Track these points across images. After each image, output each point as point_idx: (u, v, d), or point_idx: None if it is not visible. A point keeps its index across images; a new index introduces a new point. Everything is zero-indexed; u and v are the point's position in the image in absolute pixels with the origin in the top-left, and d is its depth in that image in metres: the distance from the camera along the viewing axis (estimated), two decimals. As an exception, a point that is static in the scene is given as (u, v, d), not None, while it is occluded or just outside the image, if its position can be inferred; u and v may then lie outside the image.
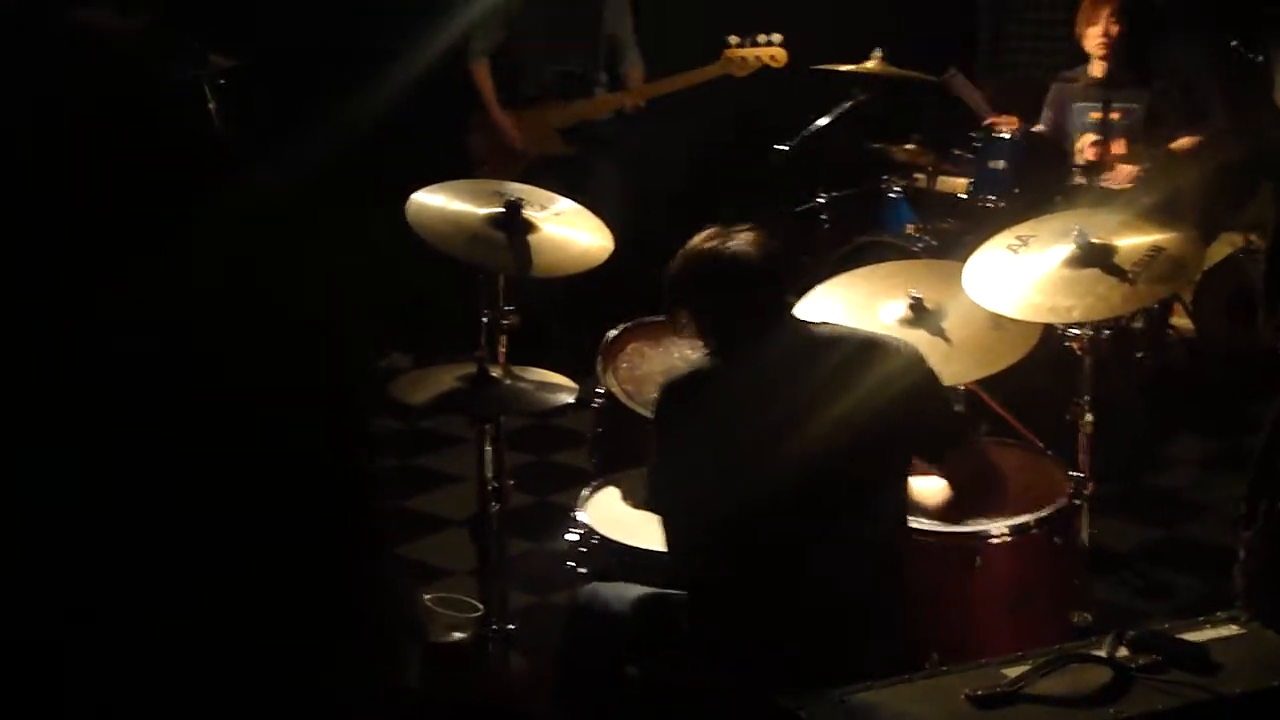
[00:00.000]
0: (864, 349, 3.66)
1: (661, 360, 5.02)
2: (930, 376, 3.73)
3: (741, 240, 3.66)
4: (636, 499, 4.40)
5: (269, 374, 0.76)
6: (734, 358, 3.69)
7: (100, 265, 0.72)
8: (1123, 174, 6.64)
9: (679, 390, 3.77)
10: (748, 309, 3.68)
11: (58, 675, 0.70)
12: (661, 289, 3.77)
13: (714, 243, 3.68)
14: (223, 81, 6.70)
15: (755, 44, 6.98)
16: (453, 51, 7.21)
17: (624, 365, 5.07)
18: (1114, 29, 6.67)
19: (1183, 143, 6.70)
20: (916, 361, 3.69)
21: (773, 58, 6.97)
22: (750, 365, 3.67)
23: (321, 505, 0.81)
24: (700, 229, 3.76)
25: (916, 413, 3.67)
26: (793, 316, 3.76)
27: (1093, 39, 6.73)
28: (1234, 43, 6.84)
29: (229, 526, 0.75)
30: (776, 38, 6.95)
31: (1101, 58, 6.69)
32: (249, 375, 0.75)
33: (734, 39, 6.98)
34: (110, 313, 0.70)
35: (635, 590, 3.88)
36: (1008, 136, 6.54)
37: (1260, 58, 6.66)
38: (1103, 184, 6.59)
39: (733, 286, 3.66)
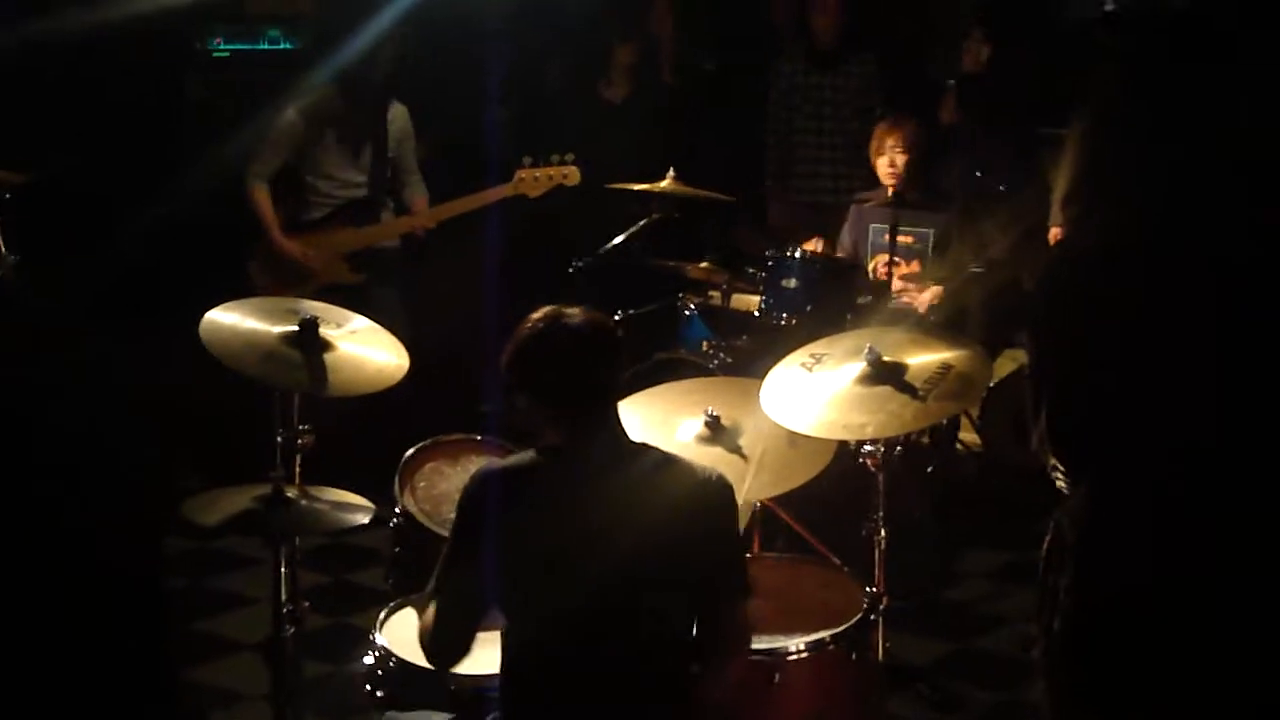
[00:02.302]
0: (679, 475, 3.60)
1: (460, 479, 4.98)
2: (735, 518, 3.72)
3: (578, 316, 3.62)
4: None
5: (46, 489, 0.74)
6: (557, 459, 3.62)
7: None
8: (925, 297, 6.79)
9: (495, 480, 3.66)
10: (583, 389, 3.60)
11: None
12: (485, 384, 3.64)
13: (551, 318, 3.62)
14: (8, 196, 6.58)
15: (548, 164, 7.04)
16: (234, 173, 7.10)
17: (421, 484, 5.03)
18: (900, 159, 6.85)
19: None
20: (728, 499, 3.64)
21: (565, 176, 7.05)
22: (569, 471, 3.60)
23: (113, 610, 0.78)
24: (500, 343, 3.70)
25: (713, 549, 3.61)
26: (620, 426, 3.67)
27: (882, 168, 6.92)
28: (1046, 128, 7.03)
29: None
30: (569, 157, 7.03)
31: (890, 185, 6.85)
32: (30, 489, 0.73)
33: (527, 159, 7.04)
34: None
35: None
36: (799, 255, 6.64)
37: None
38: (900, 304, 6.73)
39: (569, 361, 3.58)
